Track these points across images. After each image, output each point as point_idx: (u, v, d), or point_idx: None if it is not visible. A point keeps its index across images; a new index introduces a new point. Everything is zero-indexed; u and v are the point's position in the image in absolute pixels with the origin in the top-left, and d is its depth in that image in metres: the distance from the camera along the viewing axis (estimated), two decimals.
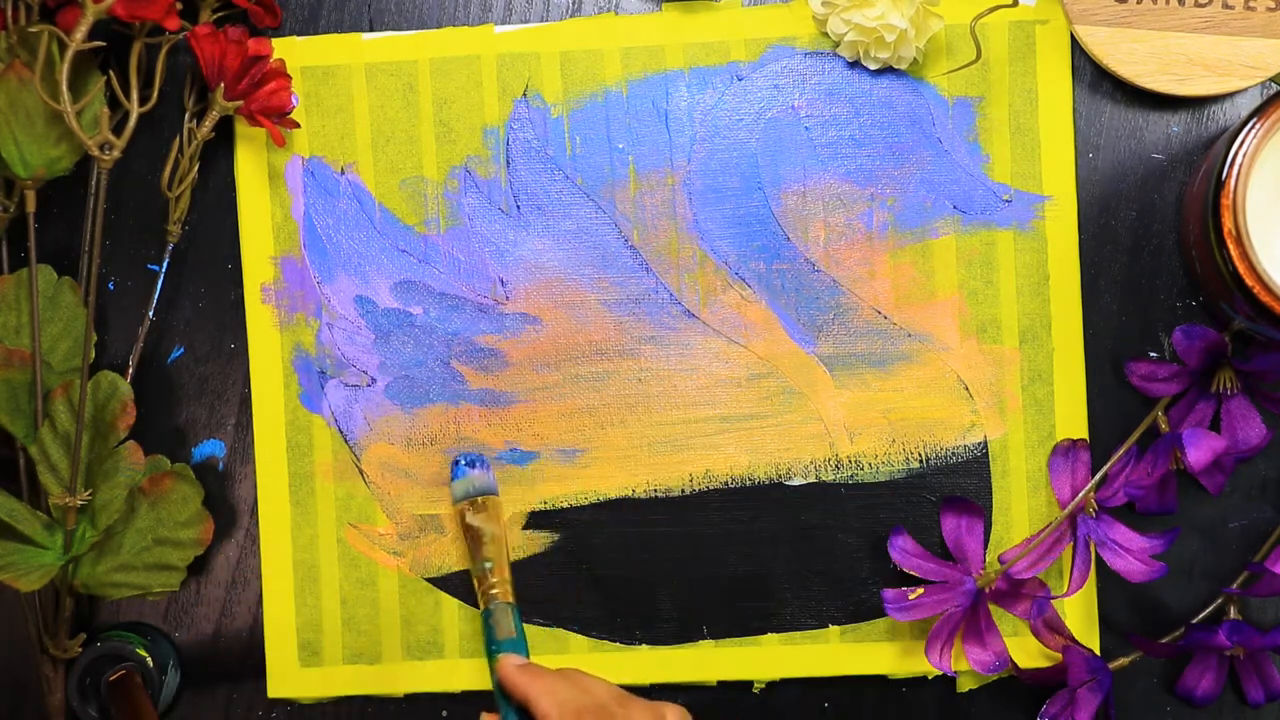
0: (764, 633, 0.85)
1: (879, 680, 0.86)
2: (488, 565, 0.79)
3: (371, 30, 0.86)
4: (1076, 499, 0.83)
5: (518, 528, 0.86)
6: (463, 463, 0.83)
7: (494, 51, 0.85)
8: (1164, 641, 0.83)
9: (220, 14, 0.84)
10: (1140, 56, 0.82)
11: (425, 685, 0.86)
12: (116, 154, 0.79)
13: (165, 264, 0.86)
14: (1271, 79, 0.83)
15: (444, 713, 0.87)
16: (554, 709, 0.70)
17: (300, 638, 0.86)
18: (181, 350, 0.87)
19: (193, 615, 0.87)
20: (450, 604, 0.86)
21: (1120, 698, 0.85)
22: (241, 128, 0.86)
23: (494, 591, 0.78)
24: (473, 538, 0.80)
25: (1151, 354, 0.84)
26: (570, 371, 0.85)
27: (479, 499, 0.82)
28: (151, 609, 0.87)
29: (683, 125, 0.85)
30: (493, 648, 0.75)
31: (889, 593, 0.83)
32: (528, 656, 0.74)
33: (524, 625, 0.84)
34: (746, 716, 0.86)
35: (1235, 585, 0.84)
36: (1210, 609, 0.84)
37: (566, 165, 0.85)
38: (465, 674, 0.86)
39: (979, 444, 0.84)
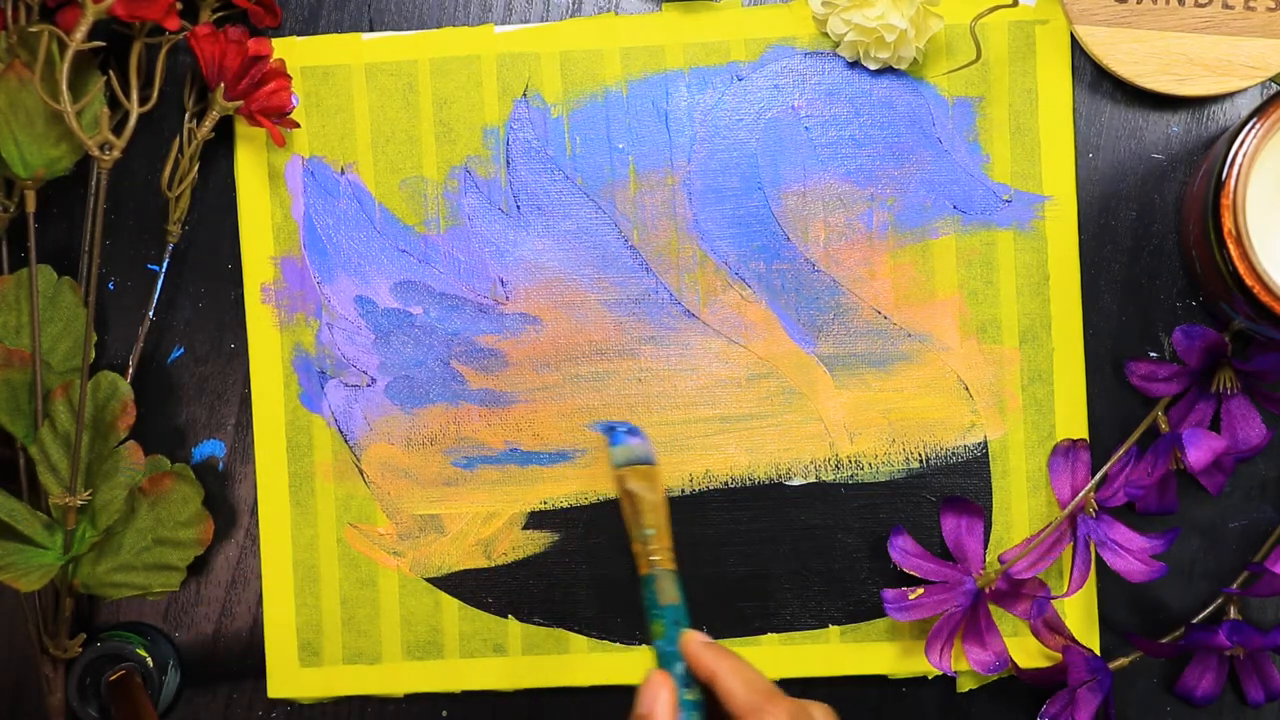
0: (764, 633, 0.85)
1: (879, 680, 0.86)
2: (649, 532, 0.78)
3: (371, 30, 0.86)
4: (1076, 499, 0.83)
5: (518, 528, 0.86)
6: (621, 430, 0.81)
7: (494, 51, 0.85)
8: (1164, 641, 0.83)
9: (220, 14, 0.84)
10: (1140, 56, 0.82)
11: (425, 685, 0.86)
12: (116, 154, 0.79)
13: (165, 264, 0.86)
14: (1271, 79, 0.83)
15: (444, 713, 0.87)
16: (741, 688, 0.69)
17: (300, 638, 0.86)
18: (181, 350, 0.87)
19: (193, 615, 0.87)
20: (450, 604, 0.86)
21: (1120, 698, 0.85)
22: (241, 128, 0.86)
23: (656, 558, 0.77)
24: (633, 504, 0.79)
25: (1151, 354, 0.84)
26: (570, 371, 0.85)
27: (639, 466, 0.81)
28: (151, 609, 0.87)
29: (683, 125, 0.85)
30: (655, 612, 0.74)
31: (889, 593, 0.83)
32: (689, 623, 0.74)
33: (537, 622, 0.84)
34: None
35: (1235, 585, 0.84)
36: (1210, 609, 0.84)
37: (566, 165, 0.85)
38: (465, 674, 0.86)
39: (979, 444, 0.85)
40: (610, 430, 0.80)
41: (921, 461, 0.85)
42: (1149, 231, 0.84)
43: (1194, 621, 0.83)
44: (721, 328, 0.85)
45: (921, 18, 0.82)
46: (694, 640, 0.72)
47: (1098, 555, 0.83)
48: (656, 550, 0.77)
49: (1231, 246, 0.75)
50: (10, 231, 0.85)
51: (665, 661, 0.73)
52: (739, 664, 0.71)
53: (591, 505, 0.85)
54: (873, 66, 0.84)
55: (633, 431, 0.80)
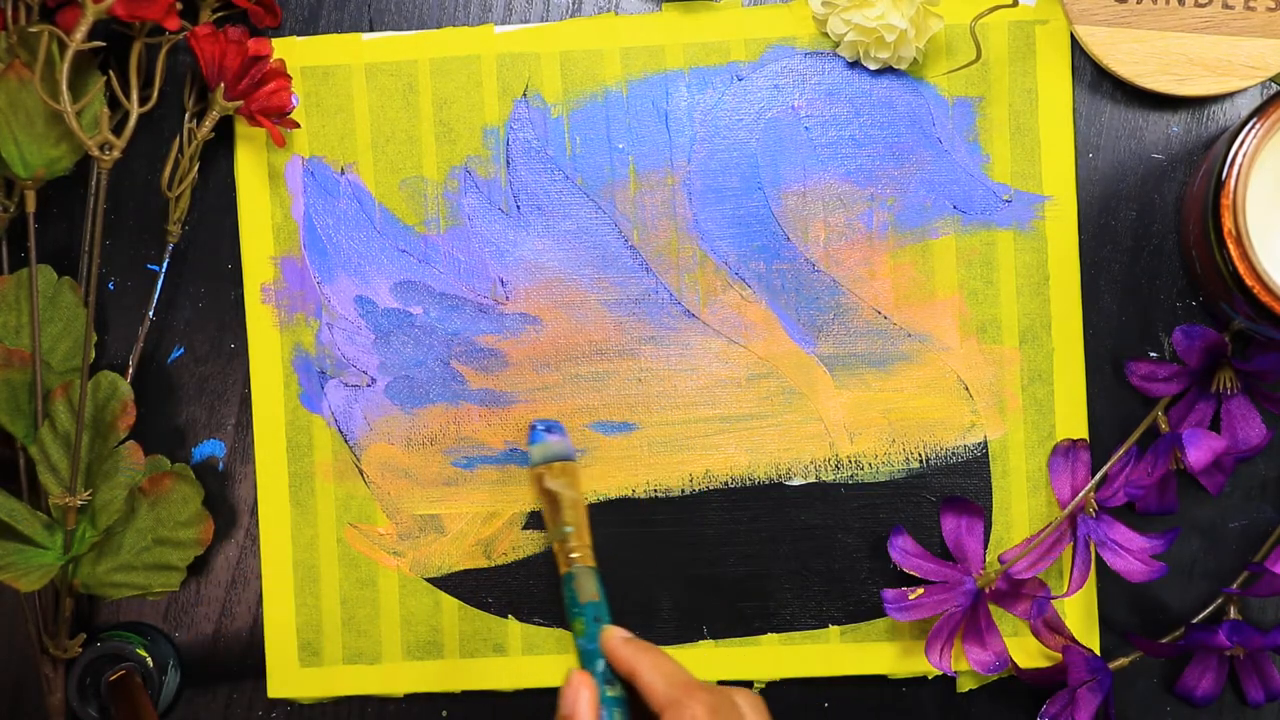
0: (764, 633, 0.85)
1: (879, 680, 0.86)
2: (568, 529, 0.78)
3: (371, 30, 0.86)
4: (1076, 499, 0.83)
5: (518, 528, 0.86)
6: (540, 428, 0.82)
7: (494, 51, 0.85)
8: (1164, 641, 0.83)
9: (220, 14, 0.84)
10: (1140, 56, 0.82)
11: (425, 685, 0.86)
12: (116, 154, 0.79)
13: (165, 264, 0.86)
14: (1271, 79, 0.83)
15: (444, 713, 0.87)
16: (660, 681, 0.70)
17: (300, 638, 0.86)
18: (181, 350, 0.87)
19: (193, 615, 0.87)
20: (450, 604, 0.86)
21: (1120, 698, 0.85)
22: (241, 128, 0.86)
23: (574, 555, 0.78)
24: (551, 502, 0.79)
25: (1151, 354, 0.84)
26: (570, 371, 0.85)
27: (556, 464, 0.81)
28: (151, 609, 0.87)
29: (683, 125, 0.85)
30: (575, 610, 0.75)
31: (889, 593, 0.83)
32: (610, 619, 0.75)
33: (537, 622, 0.84)
34: None
35: (1235, 585, 0.84)
36: (1210, 609, 0.84)
37: (566, 165, 0.85)
38: (465, 674, 0.86)
39: (979, 444, 0.85)
40: (532, 429, 0.80)
41: (921, 461, 0.85)
42: (1149, 231, 0.84)
43: (1194, 621, 0.83)
44: (721, 328, 0.85)
45: (921, 18, 0.82)
46: (613, 636, 0.73)
47: (1098, 555, 0.83)
48: (576, 548, 0.77)
49: (1231, 246, 0.75)
50: (10, 231, 0.85)
51: (587, 659, 0.73)
52: (659, 658, 0.71)
53: (591, 505, 0.85)
54: (873, 66, 0.84)
55: (551, 429, 0.81)
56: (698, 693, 0.69)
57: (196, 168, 0.84)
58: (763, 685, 0.86)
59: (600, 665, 0.73)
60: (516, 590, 0.86)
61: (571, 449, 0.82)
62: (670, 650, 0.85)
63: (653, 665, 0.71)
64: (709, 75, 0.85)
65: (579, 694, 0.71)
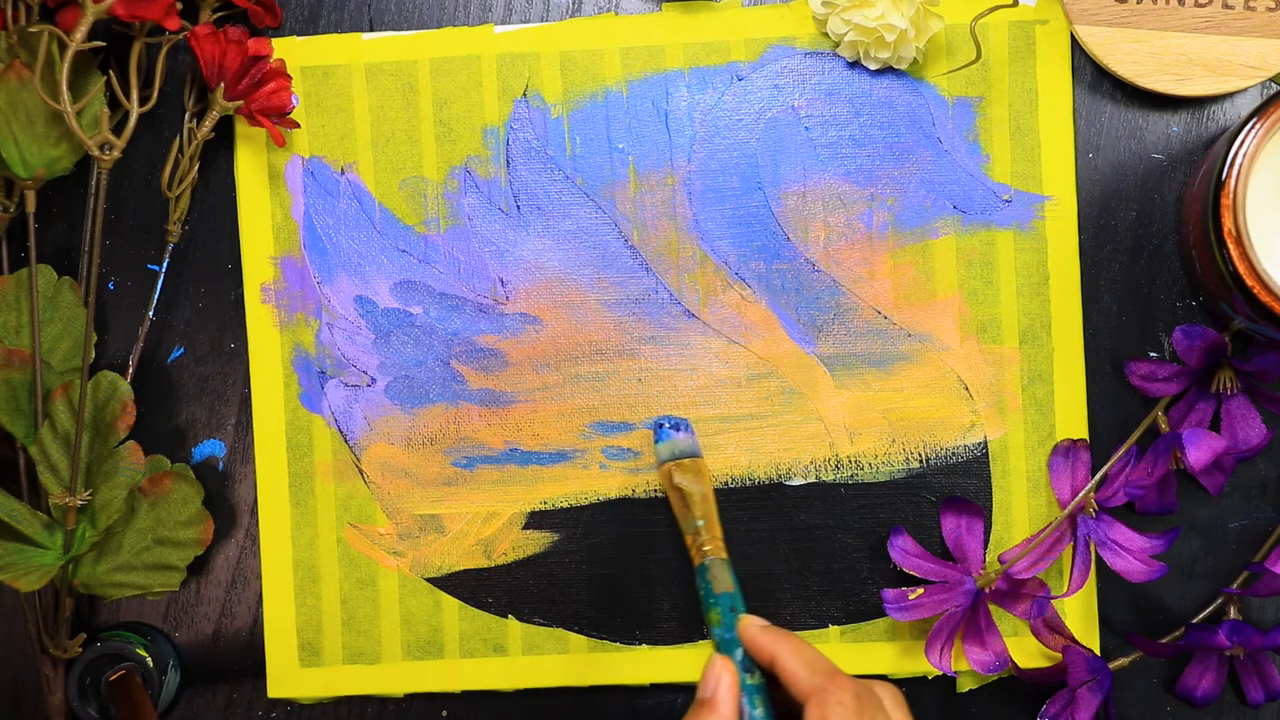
0: None
1: (879, 680, 0.85)
2: (700, 523, 0.78)
3: (371, 30, 0.86)
4: (1076, 499, 0.83)
5: (518, 528, 0.86)
6: (666, 425, 0.82)
7: (494, 51, 0.85)
8: (1164, 641, 0.83)
9: (220, 14, 0.84)
10: (1140, 56, 0.82)
11: (425, 685, 0.86)
12: (116, 154, 0.79)
13: (165, 264, 0.86)
14: (1271, 79, 0.83)
15: (444, 712, 0.87)
16: (804, 669, 0.69)
17: (300, 638, 0.86)
18: (181, 350, 0.87)
19: (193, 615, 0.87)
20: (450, 604, 0.86)
21: (1120, 698, 0.85)
22: (241, 128, 0.86)
23: (707, 548, 0.77)
24: (681, 498, 0.79)
25: (1151, 354, 0.84)
26: (570, 371, 0.85)
27: (684, 460, 0.81)
28: (151, 609, 0.87)
29: (683, 125, 0.85)
30: (710, 601, 0.75)
31: (889, 593, 0.83)
32: (745, 609, 0.74)
33: (537, 622, 0.84)
34: None
35: (1235, 585, 0.84)
36: (1210, 609, 0.84)
37: (566, 165, 0.85)
38: (465, 674, 0.86)
39: (979, 444, 0.85)
40: (658, 428, 0.80)
41: (921, 461, 0.85)
42: (1149, 231, 0.84)
43: (1194, 621, 0.83)
44: (721, 328, 0.85)
45: (921, 18, 0.82)
46: (751, 624, 0.72)
47: (1098, 555, 0.83)
48: (707, 540, 0.77)
49: (1231, 246, 0.75)
50: (10, 231, 0.85)
51: (724, 648, 0.72)
52: (800, 645, 0.70)
53: (591, 505, 0.85)
54: (873, 66, 0.84)
55: (677, 426, 0.81)
56: (843, 680, 0.68)
57: (196, 168, 0.84)
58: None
59: (739, 654, 0.72)
60: (516, 590, 0.86)
61: (697, 445, 0.82)
62: (670, 650, 0.85)
63: (794, 652, 0.70)
64: (709, 75, 0.85)
65: (720, 677, 0.70)
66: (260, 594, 0.87)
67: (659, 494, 0.85)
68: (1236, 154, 0.75)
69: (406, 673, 0.86)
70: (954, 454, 0.85)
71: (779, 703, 0.71)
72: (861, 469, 0.85)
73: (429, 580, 0.86)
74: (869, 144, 0.85)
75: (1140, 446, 0.83)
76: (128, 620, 0.87)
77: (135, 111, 0.80)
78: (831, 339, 0.85)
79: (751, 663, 0.72)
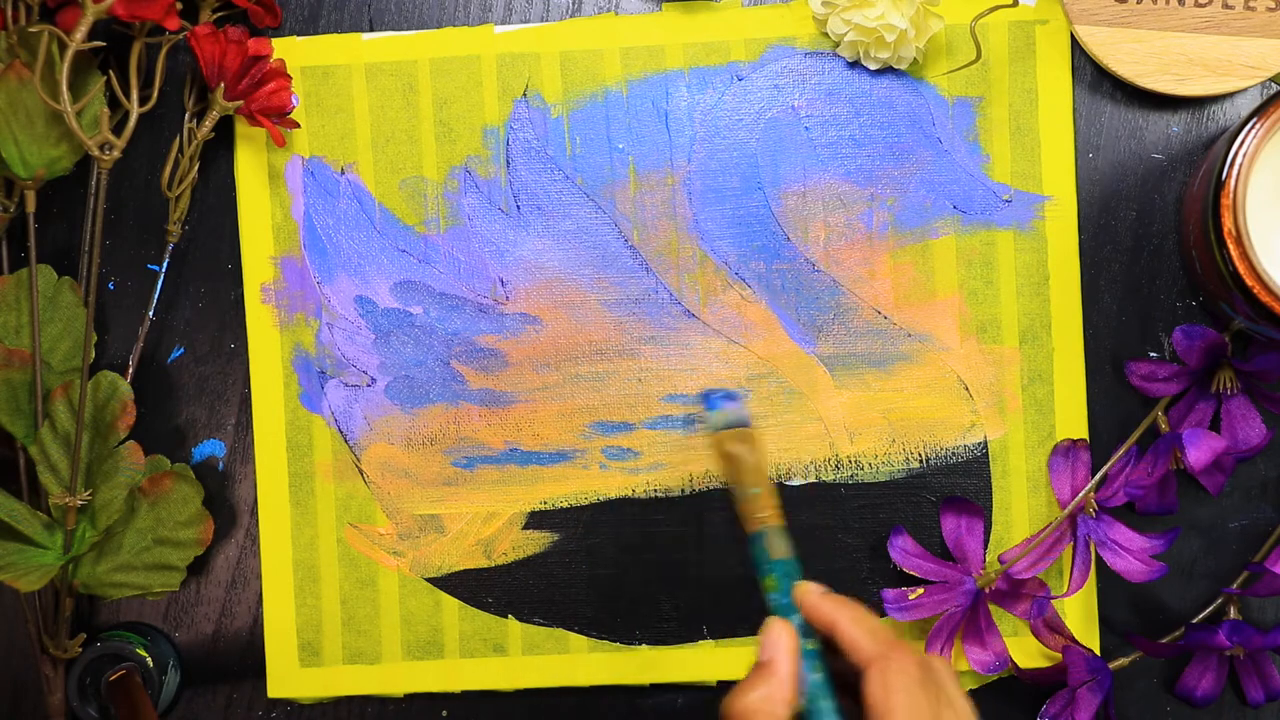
0: None
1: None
2: (754, 491, 0.77)
3: (371, 30, 0.86)
4: (1076, 499, 0.83)
5: (518, 528, 0.86)
6: (717, 396, 0.81)
7: (494, 51, 0.85)
8: (1164, 641, 0.83)
9: (220, 14, 0.84)
10: (1140, 56, 0.82)
11: (425, 685, 0.86)
12: (116, 154, 0.79)
13: (165, 264, 0.86)
14: (1271, 79, 0.83)
15: (444, 712, 0.87)
16: (866, 635, 0.68)
17: (300, 638, 0.86)
18: (181, 350, 0.87)
19: (193, 615, 0.87)
20: (450, 604, 0.86)
21: (1120, 698, 0.85)
22: (241, 128, 0.86)
23: (763, 515, 0.77)
24: (735, 466, 0.79)
25: (1151, 354, 0.84)
26: (570, 371, 0.85)
27: (736, 429, 0.80)
28: (151, 609, 0.87)
29: (683, 125, 0.85)
30: (766, 568, 0.74)
31: (889, 593, 0.83)
32: (801, 576, 0.73)
33: (537, 622, 0.85)
34: None
35: (1235, 585, 0.84)
36: (1210, 609, 0.84)
37: (566, 165, 0.85)
38: (465, 674, 0.86)
39: (979, 444, 0.85)
40: (706, 398, 0.80)
41: (921, 461, 0.85)
42: (1149, 231, 0.84)
43: (1194, 621, 0.83)
44: (721, 328, 0.85)
45: (921, 18, 0.82)
46: (810, 590, 0.71)
47: (1098, 555, 0.83)
48: (762, 508, 0.76)
49: (1231, 246, 0.75)
50: (10, 231, 0.85)
51: (781, 614, 0.71)
52: (860, 612, 0.69)
53: (591, 505, 0.85)
54: (873, 66, 0.84)
55: (729, 396, 0.80)
56: (905, 648, 0.67)
57: (196, 168, 0.84)
58: None
59: (795, 619, 0.71)
60: (516, 590, 0.86)
61: (748, 416, 0.81)
62: (670, 650, 0.85)
63: (855, 619, 0.69)
64: (709, 75, 0.85)
65: (779, 640, 0.69)
66: (260, 594, 0.87)
67: (659, 494, 0.85)
68: (1236, 154, 0.75)
69: (406, 673, 0.86)
70: (954, 454, 0.85)
71: (834, 671, 0.70)
72: (861, 469, 0.85)
73: (429, 580, 0.86)
74: (869, 144, 0.85)
75: (1140, 446, 0.83)
76: (128, 620, 0.87)
77: (135, 111, 0.80)
78: (831, 339, 0.85)
79: (808, 628, 0.71)
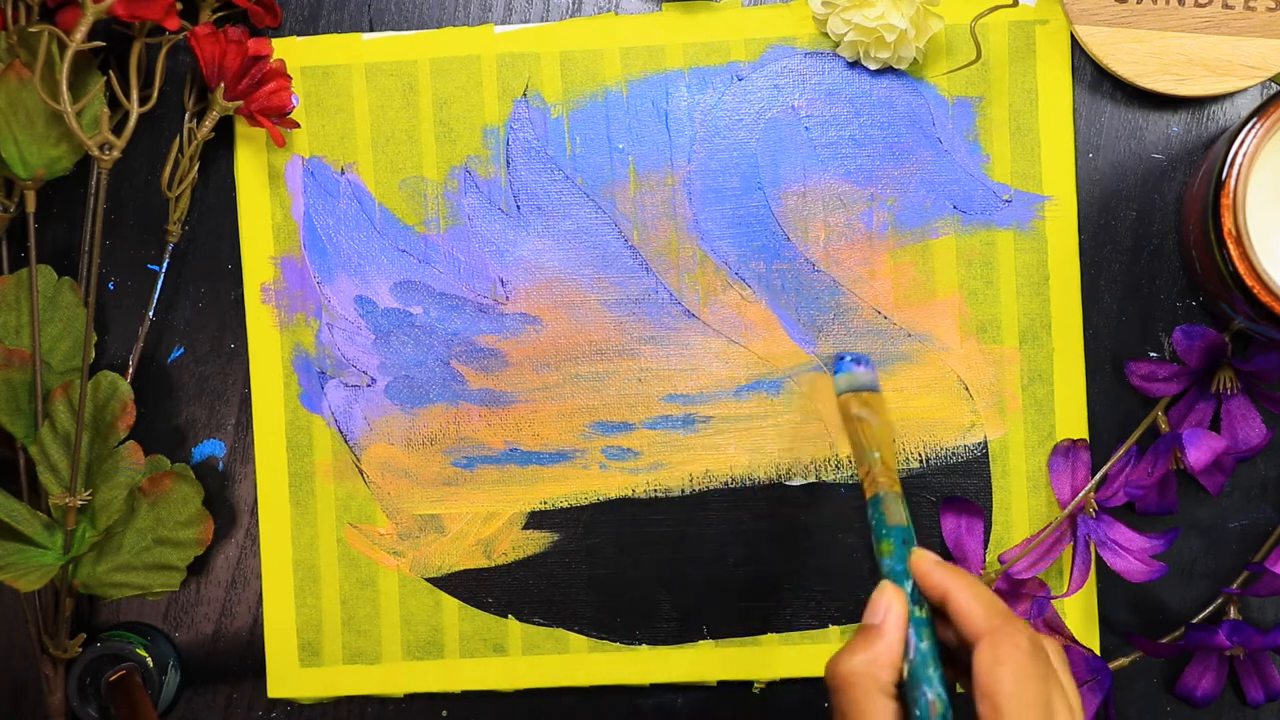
0: (764, 633, 0.85)
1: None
2: (875, 455, 0.76)
3: (371, 30, 0.86)
4: (1076, 499, 0.83)
5: (518, 528, 0.86)
6: (847, 359, 0.80)
7: (494, 51, 0.85)
8: (1164, 641, 0.83)
9: (220, 14, 0.84)
10: (1140, 56, 0.82)
11: (425, 685, 0.86)
12: (116, 154, 0.79)
13: (165, 264, 0.86)
14: (1271, 79, 0.83)
15: (444, 712, 0.87)
16: (980, 608, 0.66)
17: (300, 638, 0.86)
18: (181, 350, 0.87)
19: (193, 615, 0.87)
20: (450, 604, 0.86)
21: (1120, 698, 0.85)
22: (241, 128, 0.86)
23: (882, 480, 0.76)
24: (859, 429, 0.78)
25: (1151, 354, 0.84)
26: (570, 371, 0.85)
27: (863, 393, 0.80)
28: (151, 609, 0.87)
29: (683, 125, 0.85)
30: (883, 532, 0.73)
31: None
32: (916, 543, 0.72)
33: (537, 622, 0.85)
34: (746, 716, 0.86)
35: (1235, 585, 0.84)
36: (1210, 609, 0.84)
37: (566, 165, 0.85)
38: (465, 674, 0.86)
39: (979, 444, 0.85)
40: (838, 360, 0.79)
41: (921, 461, 0.85)
42: (1149, 231, 0.84)
43: (1194, 621, 0.83)
44: (721, 328, 0.85)
45: (921, 18, 0.82)
46: (925, 559, 0.69)
47: (1098, 555, 0.83)
48: (882, 473, 0.75)
49: (1231, 246, 0.75)
50: (10, 231, 0.85)
51: (894, 580, 0.70)
52: (975, 583, 0.68)
53: (591, 505, 0.85)
54: (873, 66, 0.84)
55: (858, 360, 0.79)
56: (1019, 623, 0.66)
57: (196, 168, 0.84)
58: (763, 685, 0.86)
59: (908, 586, 0.70)
60: (516, 590, 0.86)
61: (877, 381, 0.80)
62: (670, 650, 0.85)
63: (969, 590, 0.67)
64: (709, 75, 0.85)
65: (890, 605, 0.68)
66: (260, 594, 0.87)
67: (659, 494, 0.85)
68: (1236, 154, 0.75)
69: (406, 673, 0.86)
70: (954, 454, 0.85)
71: (941, 641, 0.69)
72: None
73: (429, 580, 0.86)
74: (869, 144, 0.85)
75: (1140, 446, 0.83)
76: (128, 620, 0.87)
77: (135, 111, 0.80)
78: (831, 339, 0.85)
79: (920, 597, 0.69)
